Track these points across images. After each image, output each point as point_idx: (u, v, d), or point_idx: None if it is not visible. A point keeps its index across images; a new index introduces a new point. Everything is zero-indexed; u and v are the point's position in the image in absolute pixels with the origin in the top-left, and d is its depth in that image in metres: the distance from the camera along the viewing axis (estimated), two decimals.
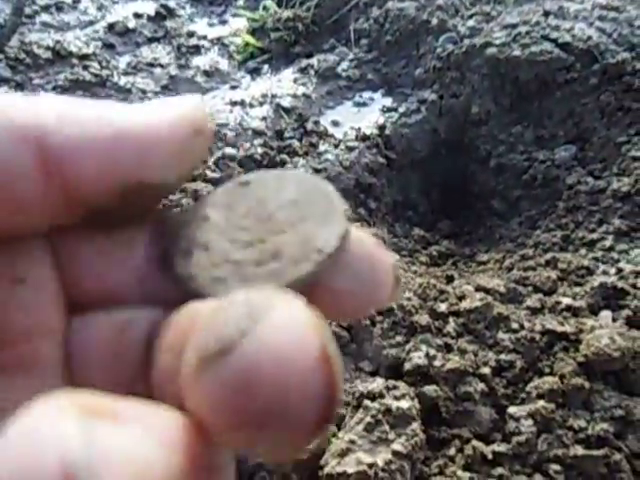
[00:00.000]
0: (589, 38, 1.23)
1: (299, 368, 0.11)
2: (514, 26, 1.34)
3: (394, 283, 0.18)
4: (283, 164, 1.13)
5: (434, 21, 1.45)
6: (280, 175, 0.20)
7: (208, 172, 1.08)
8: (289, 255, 0.16)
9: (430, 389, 0.72)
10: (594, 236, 0.88)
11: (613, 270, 0.80)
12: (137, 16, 1.83)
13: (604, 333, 0.71)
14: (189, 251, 0.17)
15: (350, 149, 1.20)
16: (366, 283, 0.17)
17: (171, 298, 0.17)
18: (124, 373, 0.17)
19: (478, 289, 0.84)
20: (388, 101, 1.38)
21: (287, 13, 1.69)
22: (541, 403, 0.67)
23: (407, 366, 0.75)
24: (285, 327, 0.12)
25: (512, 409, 0.68)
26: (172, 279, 0.17)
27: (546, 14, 1.39)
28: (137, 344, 0.17)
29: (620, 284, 0.77)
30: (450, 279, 0.92)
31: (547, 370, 0.72)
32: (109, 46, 1.74)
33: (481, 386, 0.72)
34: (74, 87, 1.59)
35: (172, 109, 0.18)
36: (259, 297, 0.12)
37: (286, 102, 1.40)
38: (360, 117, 1.35)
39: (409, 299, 0.82)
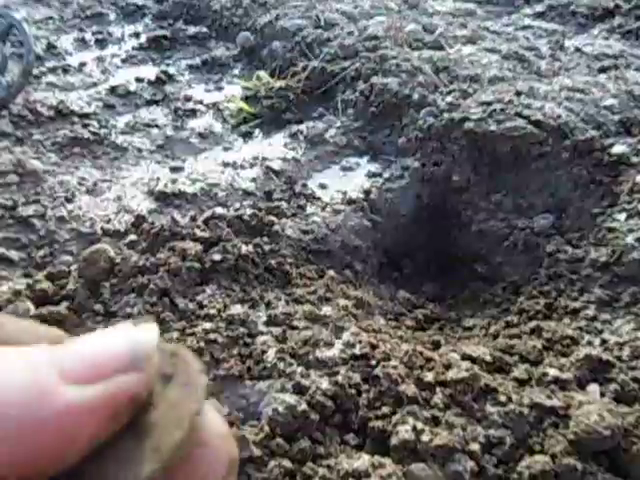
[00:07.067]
0: (559, 117, 1.27)
1: None
2: (489, 103, 1.39)
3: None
4: (271, 225, 1.10)
5: (415, 96, 1.50)
6: None
7: (197, 231, 1.04)
8: None
9: (418, 467, 0.65)
10: (576, 305, 0.85)
11: (598, 341, 0.77)
12: (138, 80, 1.86)
13: (593, 409, 0.67)
14: None
15: (336, 212, 1.19)
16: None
17: None
18: None
19: (464, 357, 0.79)
20: (373, 167, 1.39)
21: (279, 83, 1.74)
22: None
23: (394, 440, 0.68)
24: None
25: None
26: None
27: (518, 93, 1.44)
28: None
29: (605, 356, 0.74)
30: (436, 345, 0.87)
31: (537, 448, 0.66)
32: (109, 106, 1.75)
33: (471, 464, 0.65)
34: (72, 144, 1.57)
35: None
36: None
37: (276, 165, 1.40)
38: (346, 181, 1.35)
39: (395, 367, 0.77)
